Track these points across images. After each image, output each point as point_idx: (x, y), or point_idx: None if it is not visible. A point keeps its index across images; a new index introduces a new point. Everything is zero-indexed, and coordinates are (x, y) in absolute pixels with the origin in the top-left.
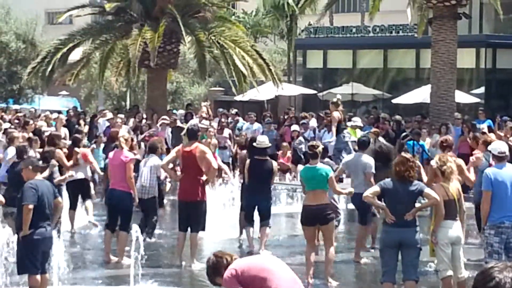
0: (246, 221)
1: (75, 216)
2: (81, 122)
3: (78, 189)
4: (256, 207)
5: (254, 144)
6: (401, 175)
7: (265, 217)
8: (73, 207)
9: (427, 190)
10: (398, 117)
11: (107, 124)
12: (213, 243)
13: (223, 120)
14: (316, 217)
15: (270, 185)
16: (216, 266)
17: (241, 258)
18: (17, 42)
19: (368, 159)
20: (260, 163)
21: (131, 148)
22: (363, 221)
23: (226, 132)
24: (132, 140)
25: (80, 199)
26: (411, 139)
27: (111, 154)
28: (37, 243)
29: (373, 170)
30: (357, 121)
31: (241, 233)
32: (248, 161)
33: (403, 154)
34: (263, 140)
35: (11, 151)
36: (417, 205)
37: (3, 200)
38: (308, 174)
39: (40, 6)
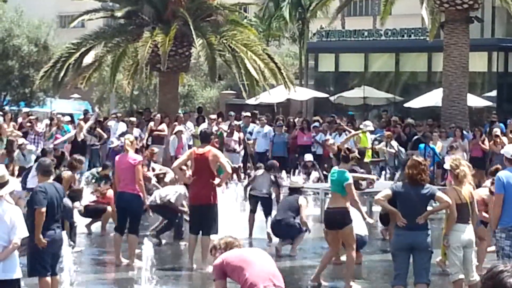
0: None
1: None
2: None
3: None
4: None
5: (288, 184)
6: (413, 178)
7: None
8: None
9: (439, 193)
10: (410, 120)
11: (118, 127)
12: None
13: (233, 123)
14: (334, 221)
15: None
16: (224, 247)
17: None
18: (29, 46)
19: None
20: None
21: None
22: None
23: (236, 135)
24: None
25: None
26: (422, 142)
27: (117, 158)
28: (47, 245)
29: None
30: (369, 125)
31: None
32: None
33: (414, 157)
34: (296, 181)
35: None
36: (429, 208)
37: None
38: (334, 176)
39: (53, 9)
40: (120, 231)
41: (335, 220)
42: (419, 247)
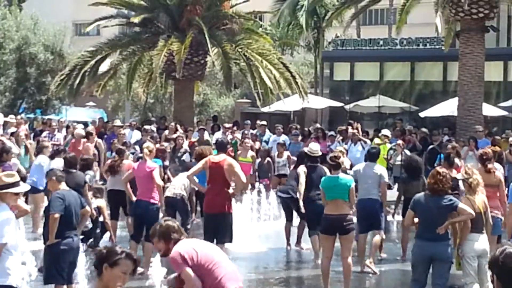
0: (311, 229)
1: (116, 226)
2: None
3: (118, 200)
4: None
5: (306, 151)
6: (430, 188)
7: None
8: (113, 217)
9: (461, 205)
10: (424, 129)
11: (132, 135)
12: (242, 256)
13: (246, 132)
14: (336, 227)
15: None
16: (166, 231)
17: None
18: (45, 53)
19: (380, 169)
20: (313, 169)
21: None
22: (375, 226)
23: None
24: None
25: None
26: (438, 152)
27: (135, 166)
28: (64, 253)
29: (387, 180)
30: (386, 133)
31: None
32: (304, 168)
33: (437, 168)
34: (316, 149)
35: None
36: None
37: (28, 209)
38: (329, 184)
39: (68, 17)
40: (136, 239)
41: (343, 225)
42: (439, 258)
